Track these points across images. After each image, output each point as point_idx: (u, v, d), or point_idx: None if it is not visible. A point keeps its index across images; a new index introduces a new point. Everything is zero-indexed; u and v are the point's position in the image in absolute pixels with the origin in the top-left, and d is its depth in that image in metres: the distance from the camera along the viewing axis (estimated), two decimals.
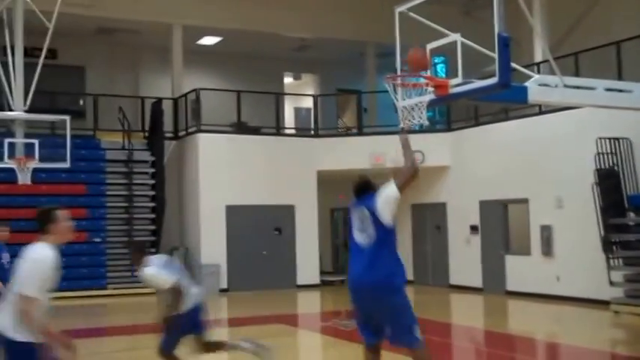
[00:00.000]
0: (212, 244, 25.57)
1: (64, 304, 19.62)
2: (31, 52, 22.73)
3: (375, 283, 8.35)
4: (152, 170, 27.22)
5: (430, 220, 27.03)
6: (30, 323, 6.61)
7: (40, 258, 6.73)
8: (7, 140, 21.01)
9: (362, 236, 8.50)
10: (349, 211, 8.81)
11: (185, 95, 27.91)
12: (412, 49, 10.33)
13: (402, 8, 11.09)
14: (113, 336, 17.76)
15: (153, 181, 27.15)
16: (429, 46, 10.75)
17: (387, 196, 8.45)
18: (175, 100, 28.38)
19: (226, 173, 25.88)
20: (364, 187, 8.77)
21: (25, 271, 6.72)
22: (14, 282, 6.78)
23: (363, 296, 8.51)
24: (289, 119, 32.41)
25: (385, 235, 8.42)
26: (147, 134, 28.15)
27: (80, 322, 18.81)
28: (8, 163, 20.85)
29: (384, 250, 8.43)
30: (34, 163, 20.82)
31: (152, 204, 26.94)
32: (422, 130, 23.62)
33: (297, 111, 32.62)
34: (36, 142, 20.76)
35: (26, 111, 21.39)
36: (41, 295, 6.69)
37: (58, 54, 27.84)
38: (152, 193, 27.07)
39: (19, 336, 6.64)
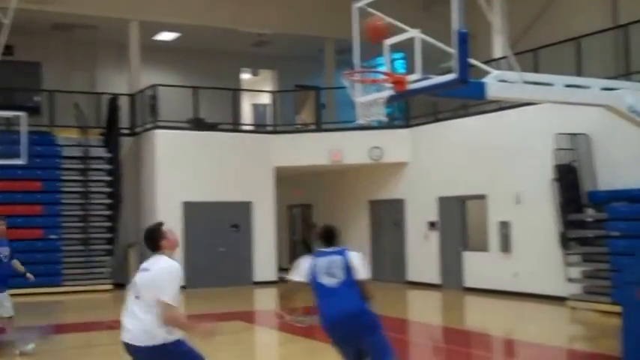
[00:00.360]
0: None
1: (20, 301, 19.34)
2: None
3: (352, 311, 8.34)
4: (108, 167, 26.99)
5: (388, 217, 27.01)
6: (180, 326, 7.39)
7: (171, 269, 7.43)
8: None
9: (331, 280, 8.45)
10: (314, 258, 8.72)
11: (142, 91, 27.69)
12: (370, 18, 10.26)
13: (361, 4, 11.05)
14: (68, 333, 17.57)
15: (109, 178, 26.93)
16: (388, 42, 10.71)
17: (359, 262, 8.54)
18: (132, 97, 28.15)
19: (183, 170, 25.72)
20: (331, 236, 8.82)
21: (160, 281, 7.34)
22: (143, 291, 7.35)
23: (342, 329, 8.45)
24: (247, 115, 32.25)
25: (353, 280, 8.43)
26: (103, 131, 27.87)
27: (36, 319, 18.58)
28: None
29: (355, 288, 8.42)
30: None
31: (108, 201, 26.72)
32: (380, 126, 23.63)
33: (255, 107, 32.46)
34: None
35: None
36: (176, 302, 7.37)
37: (14, 50, 27.45)
38: (108, 189, 26.86)
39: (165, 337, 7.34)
